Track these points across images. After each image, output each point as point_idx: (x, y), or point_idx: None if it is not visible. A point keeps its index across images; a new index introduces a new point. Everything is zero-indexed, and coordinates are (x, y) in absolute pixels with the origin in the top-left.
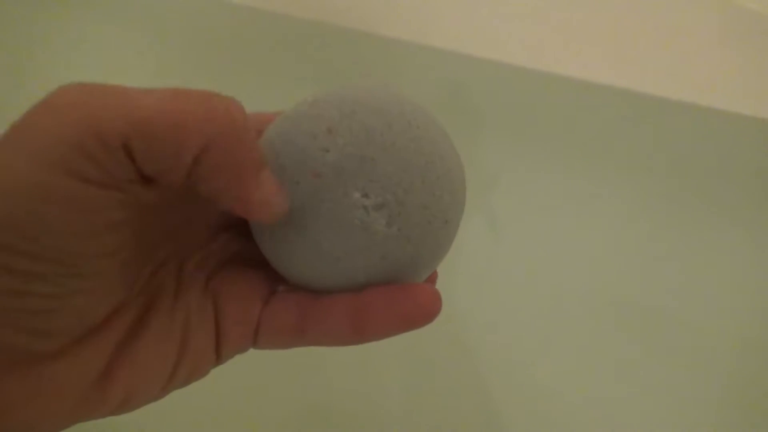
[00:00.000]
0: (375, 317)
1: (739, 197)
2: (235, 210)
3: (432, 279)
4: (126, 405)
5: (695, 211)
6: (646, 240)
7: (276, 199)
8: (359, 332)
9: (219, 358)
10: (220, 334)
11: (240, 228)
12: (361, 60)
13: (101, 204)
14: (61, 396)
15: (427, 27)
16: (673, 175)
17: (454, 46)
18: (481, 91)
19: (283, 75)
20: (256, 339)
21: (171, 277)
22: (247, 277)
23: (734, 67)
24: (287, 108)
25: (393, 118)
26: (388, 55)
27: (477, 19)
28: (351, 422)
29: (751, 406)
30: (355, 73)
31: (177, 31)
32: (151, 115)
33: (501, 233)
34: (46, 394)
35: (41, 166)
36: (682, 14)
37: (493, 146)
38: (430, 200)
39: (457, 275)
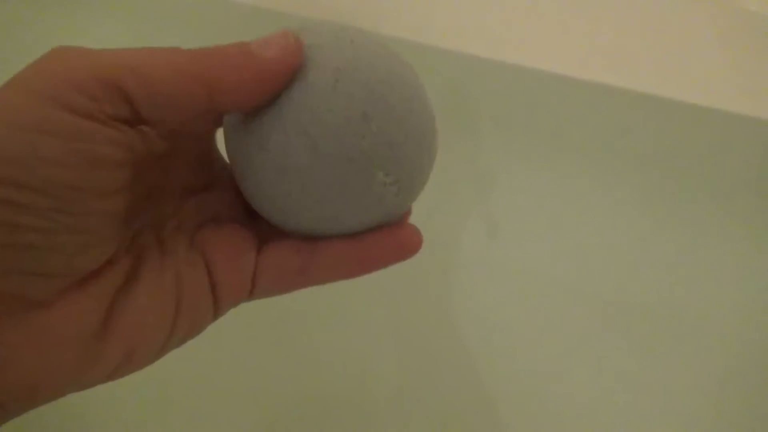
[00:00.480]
0: (375, 251)
1: (739, 197)
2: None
3: (407, 215)
4: (128, 363)
5: (695, 211)
6: (646, 240)
7: (285, 40)
8: (363, 264)
9: (217, 308)
10: (215, 285)
11: (215, 191)
12: None
13: (94, 138)
14: (61, 346)
15: (425, 25)
16: (673, 174)
17: (452, 45)
18: (479, 90)
19: None
20: (255, 285)
21: (153, 238)
22: (232, 230)
23: (735, 67)
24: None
25: (413, 102)
26: None
27: (475, 18)
28: (345, 409)
29: (749, 406)
30: None
31: (179, 29)
32: (151, 70)
33: (498, 233)
34: (46, 343)
35: (40, 101)
36: (681, 14)
37: (492, 146)
38: (428, 167)
39: (454, 274)
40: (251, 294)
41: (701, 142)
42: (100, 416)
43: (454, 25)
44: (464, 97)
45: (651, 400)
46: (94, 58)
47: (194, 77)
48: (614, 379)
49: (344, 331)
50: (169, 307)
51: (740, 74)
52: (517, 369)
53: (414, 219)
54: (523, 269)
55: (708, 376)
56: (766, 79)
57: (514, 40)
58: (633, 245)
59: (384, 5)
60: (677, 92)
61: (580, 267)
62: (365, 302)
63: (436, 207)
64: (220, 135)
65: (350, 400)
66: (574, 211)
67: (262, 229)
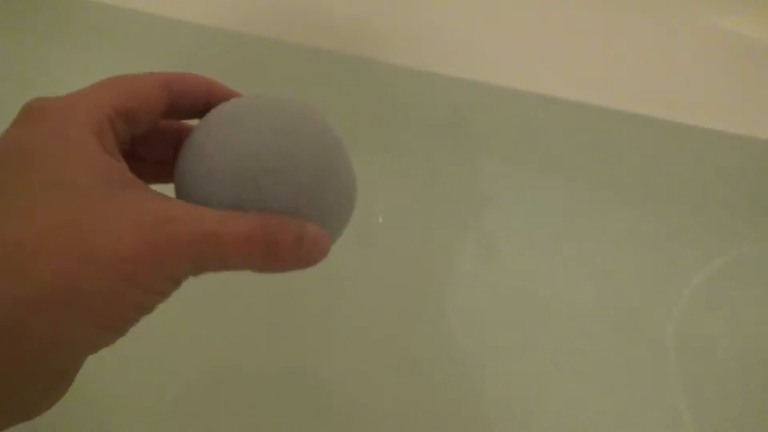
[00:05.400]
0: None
1: (731, 214)
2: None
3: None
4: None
5: (688, 229)
6: (640, 258)
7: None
8: None
9: None
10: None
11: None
12: (358, 85)
13: (155, 300)
14: None
15: (421, 51)
16: (666, 193)
17: (447, 70)
18: (476, 113)
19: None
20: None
21: None
22: None
23: (721, 87)
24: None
25: (324, 159)
26: (385, 79)
27: (469, 43)
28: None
29: (740, 418)
30: (352, 99)
31: (164, 57)
32: (228, 248)
33: (494, 254)
34: None
35: (117, 278)
36: (670, 36)
37: (488, 168)
38: (315, 170)
39: (450, 293)
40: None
41: (692, 161)
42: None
43: (448, 50)
44: (460, 119)
45: (649, 419)
46: (186, 231)
47: (260, 256)
48: (614, 396)
49: (340, 348)
50: None
51: (727, 93)
52: (513, 386)
53: (412, 239)
54: (520, 288)
55: (701, 393)
56: (752, 97)
57: (507, 64)
58: (627, 263)
59: (380, 31)
60: (673, 114)
61: (576, 285)
62: (362, 321)
63: (432, 227)
64: None
65: (347, 417)
66: (569, 230)
67: None
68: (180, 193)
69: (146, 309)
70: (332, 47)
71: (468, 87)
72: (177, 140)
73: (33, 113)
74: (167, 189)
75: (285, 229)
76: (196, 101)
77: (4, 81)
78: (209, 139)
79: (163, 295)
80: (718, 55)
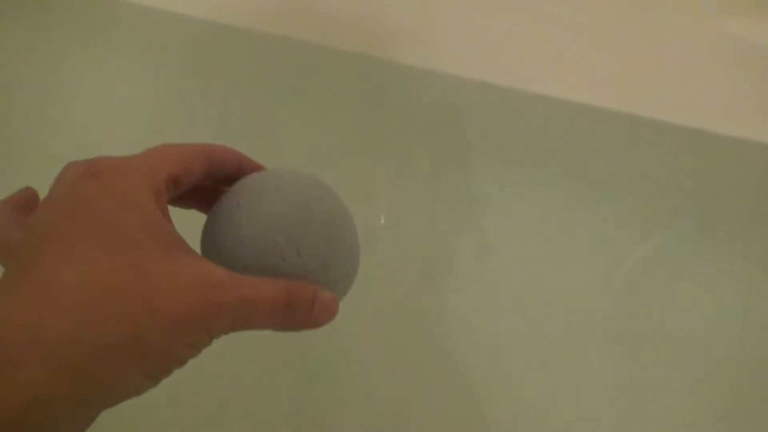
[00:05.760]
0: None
1: (734, 219)
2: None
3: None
4: None
5: (690, 232)
6: (637, 260)
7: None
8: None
9: None
10: None
11: None
12: (356, 82)
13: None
14: None
15: (420, 47)
16: (662, 196)
17: (445, 68)
18: (473, 112)
19: (283, 96)
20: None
21: None
22: None
23: (727, 91)
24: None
25: (338, 234)
26: (382, 76)
27: (471, 42)
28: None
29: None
30: (350, 95)
31: (174, 52)
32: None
33: (491, 255)
34: None
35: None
36: (674, 40)
37: (484, 168)
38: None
39: (446, 296)
40: None
41: (691, 165)
42: None
43: (448, 49)
44: (456, 118)
45: (645, 423)
46: (224, 299)
47: (280, 318)
48: (608, 401)
49: (340, 350)
50: None
51: (733, 98)
52: (509, 385)
53: (408, 240)
54: (515, 288)
55: (700, 397)
56: (758, 102)
57: (507, 64)
58: (622, 265)
59: (381, 29)
60: (674, 116)
61: (572, 286)
62: (359, 321)
63: (429, 228)
64: None
65: (346, 419)
66: (565, 232)
67: None
68: (208, 253)
69: (183, 362)
70: (337, 45)
71: (463, 86)
72: (201, 195)
73: (100, 170)
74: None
75: (301, 295)
76: (228, 171)
77: (21, 73)
78: (240, 210)
79: (199, 350)
80: (722, 59)
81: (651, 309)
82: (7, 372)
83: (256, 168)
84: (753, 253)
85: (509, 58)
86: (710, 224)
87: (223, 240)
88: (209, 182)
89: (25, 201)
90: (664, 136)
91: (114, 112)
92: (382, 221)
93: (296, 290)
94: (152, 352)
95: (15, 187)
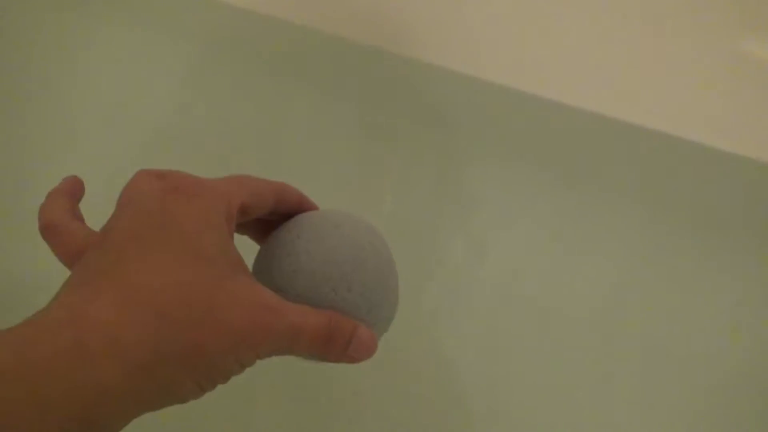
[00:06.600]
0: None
1: (730, 232)
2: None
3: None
4: None
5: (686, 239)
6: (630, 261)
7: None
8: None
9: None
10: None
11: None
12: (370, 74)
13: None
14: None
15: (421, 42)
16: (654, 202)
17: (447, 63)
18: (470, 110)
19: (300, 84)
20: None
21: None
22: None
23: (726, 106)
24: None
25: (385, 278)
26: (384, 68)
27: (472, 38)
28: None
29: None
30: (364, 86)
31: (195, 36)
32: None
33: (483, 254)
34: None
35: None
36: (672, 51)
37: (478, 167)
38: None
39: (438, 296)
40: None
41: (686, 175)
42: None
43: (450, 45)
44: (452, 116)
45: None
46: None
47: (319, 349)
48: (602, 404)
49: None
50: None
51: (733, 113)
52: (504, 385)
53: (404, 240)
54: (510, 288)
55: (698, 405)
56: (760, 119)
57: (509, 64)
58: (617, 266)
59: (383, 21)
60: (664, 124)
61: (566, 287)
62: None
63: (424, 228)
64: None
65: (334, 408)
66: (560, 232)
67: None
68: (261, 278)
69: (228, 378)
70: (354, 37)
71: (461, 82)
72: (258, 225)
73: (183, 187)
74: None
75: (342, 328)
76: (291, 208)
77: (48, 56)
78: (299, 242)
79: (243, 369)
80: (737, 76)
81: (647, 310)
82: (85, 369)
83: (313, 207)
84: (753, 262)
85: (507, 59)
86: (709, 234)
87: (280, 268)
88: (270, 216)
89: (75, 189)
90: (665, 147)
91: (137, 94)
92: (386, 207)
93: (338, 322)
94: (208, 362)
95: (47, 164)
